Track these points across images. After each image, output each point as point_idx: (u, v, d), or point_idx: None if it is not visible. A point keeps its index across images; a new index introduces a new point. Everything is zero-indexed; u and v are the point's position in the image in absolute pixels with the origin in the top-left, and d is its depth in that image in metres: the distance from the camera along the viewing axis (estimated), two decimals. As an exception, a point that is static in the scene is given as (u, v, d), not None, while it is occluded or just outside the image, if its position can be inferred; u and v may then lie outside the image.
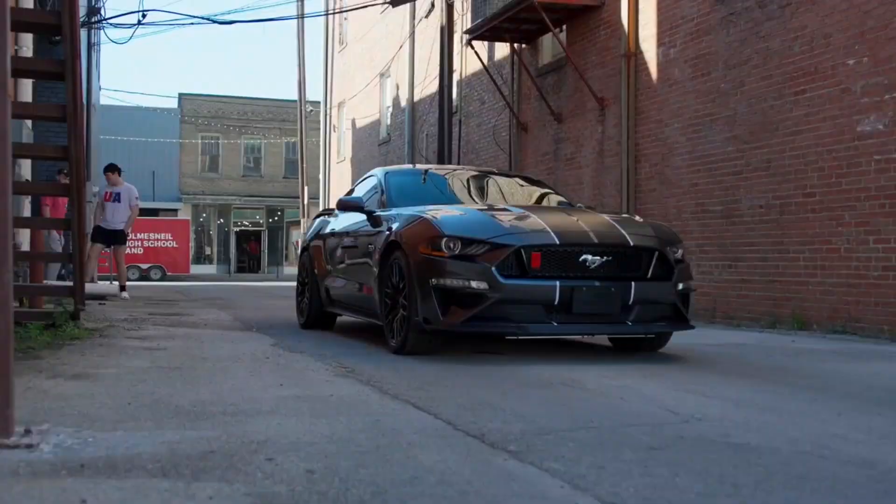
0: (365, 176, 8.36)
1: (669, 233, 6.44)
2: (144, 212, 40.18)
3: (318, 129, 35.83)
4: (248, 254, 45.70)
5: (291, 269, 43.24)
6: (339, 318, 8.78)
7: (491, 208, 6.56)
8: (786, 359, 6.38)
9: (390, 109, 23.02)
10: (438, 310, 5.70)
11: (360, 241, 7.20)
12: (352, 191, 8.49)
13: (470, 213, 6.26)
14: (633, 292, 5.80)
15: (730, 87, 9.96)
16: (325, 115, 29.14)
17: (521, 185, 8.12)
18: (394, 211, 6.80)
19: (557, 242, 5.71)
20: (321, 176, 29.59)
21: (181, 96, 44.71)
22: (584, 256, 5.75)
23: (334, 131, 28.56)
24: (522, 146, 15.07)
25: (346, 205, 7.33)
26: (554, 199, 7.92)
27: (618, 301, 5.78)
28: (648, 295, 5.90)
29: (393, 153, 22.21)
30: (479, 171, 8.73)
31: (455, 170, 8.47)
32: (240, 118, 44.86)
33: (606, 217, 6.42)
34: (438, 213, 6.22)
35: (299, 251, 9.25)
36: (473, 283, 5.63)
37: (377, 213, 7.05)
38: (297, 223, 38.60)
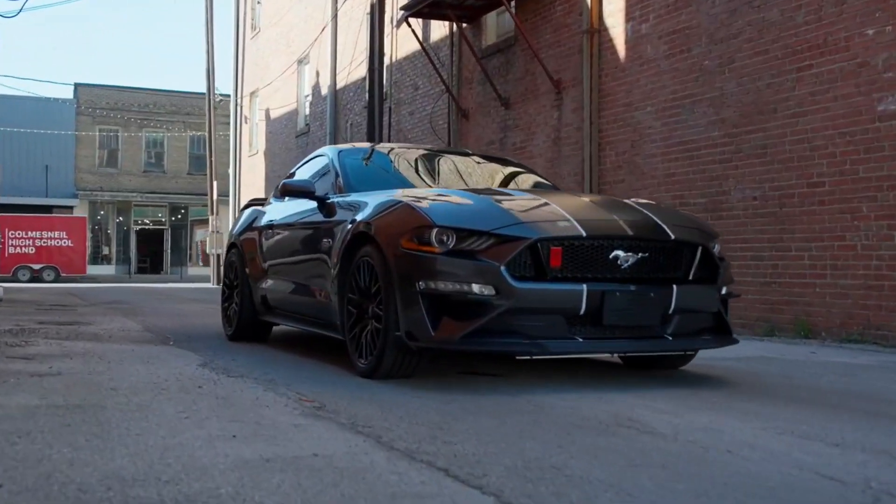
0: (310, 157, 6.93)
1: (706, 224, 5.24)
2: (37, 209, 37.65)
3: (228, 122, 33.99)
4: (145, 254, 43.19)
5: (196, 270, 41.12)
6: (274, 328, 7.34)
7: (489, 191, 5.24)
8: (844, 378, 5.23)
9: (309, 98, 21.45)
10: (428, 322, 4.36)
11: (310, 235, 5.80)
12: (292, 174, 7.06)
13: (466, 196, 4.92)
14: (675, 298, 4.56)
15: (715, 64, 8.85)
16: (236, 105, 27.29)
17: (503, 168, 6.79)
18: (356, 197, 5.43)
19: (584, 235, 4.42)
20: (231, 171, 27.73)
21: (77, 86, 41.92)
22: (615, 253, 4.47)
23: (246, 123, 26.77)
24: (463, 134, 13.78)
25: (291, 189, 5.88)
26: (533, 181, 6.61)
27: (657, 309, 4.54)
28: (691, 302, 4.67)
29: (312, 145, 20.64)
30: (447, 150, 7.39)
31: (420, 149, 7.10)
32: (141, 110, 42.37)
33: (632, 203, 5.17)
34: (423, 197, 4.88)
35: (225, 247, 7.76)
36: (475, 287, 4.30)
37: (333, 200, 5.66)
38: (204, 222, 36.59)
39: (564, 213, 4.58)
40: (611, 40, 10.43)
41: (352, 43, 18.21)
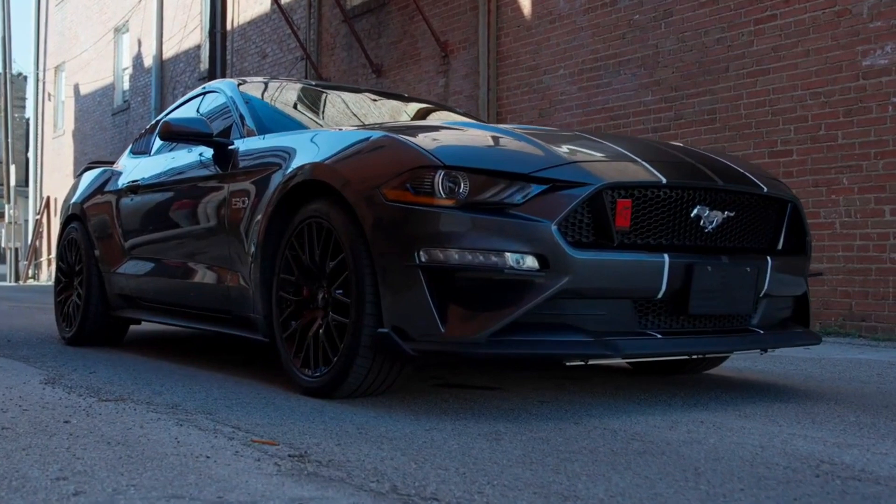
0: (191, 95, 5.12)
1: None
2: None
3: (24, 105, 30.72)
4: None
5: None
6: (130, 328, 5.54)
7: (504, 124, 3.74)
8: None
9: (129, 71, 19.03)
10: (435, 311, 2.81)
11: (206, 196, 4.08)
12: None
13: (479, 128, 3.40)
14: (769, 275, 3.23)
15: (648, 18, 7.70)
16: (38, 80, 24.22)
17: (425, 105, 5.25)
18: (276, 141, 3.77)
19: (664, 182, 3.01)
20: (31, 154, 24.60)
21: None
22: (696, 210, 3.09)
23: (49, 100, 23.77)
24: (324, 108, 12.12)
25: (178, 131, 4.08)
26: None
27: (751, 291, 3.19)
28: (782, 281, 3.34)
29: (134, 123, 18.28)
30: (330, 85, 5.61)
31: (300, 83, 5.29)
32: (-81, 89, 37.60)
33: (686, 147, 3.79)
34: (411, 128, 3.33)
35: (61, 221, 5.84)
36: (510, 258, 2.79)
37: (239, 147, 3.98)
38: (-3, 214, 32.75)
39: (625, 150, 3.16)
40: (513, -5, 9.12)
41: (184, 6, 16.11)
